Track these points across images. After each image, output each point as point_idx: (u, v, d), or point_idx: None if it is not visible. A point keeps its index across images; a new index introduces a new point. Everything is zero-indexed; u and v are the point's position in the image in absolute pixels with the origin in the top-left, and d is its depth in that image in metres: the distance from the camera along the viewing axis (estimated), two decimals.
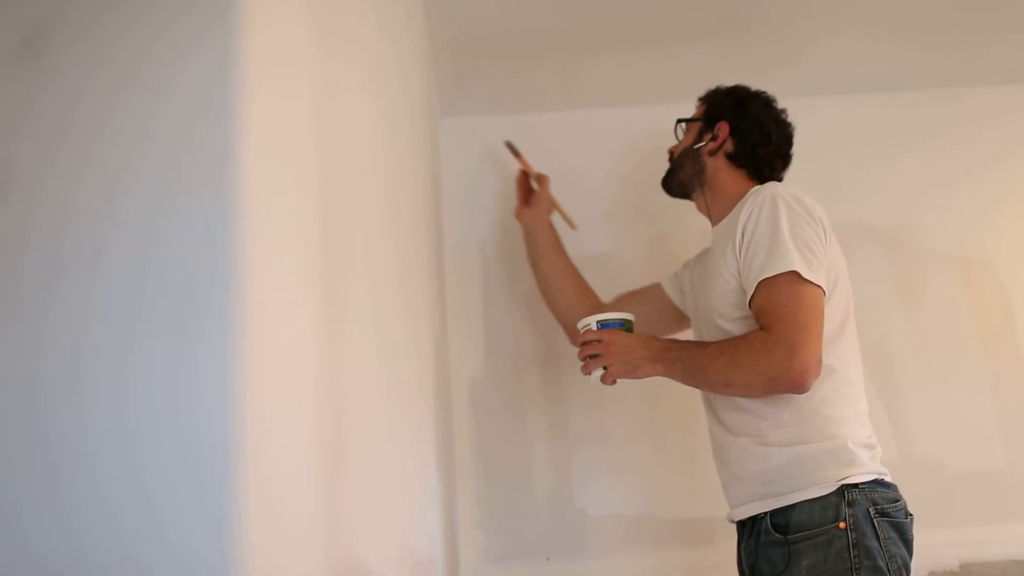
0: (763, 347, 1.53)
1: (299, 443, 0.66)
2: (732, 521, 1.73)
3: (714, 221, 1.86)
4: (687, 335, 1.90)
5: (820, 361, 1.52)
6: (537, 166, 2.26)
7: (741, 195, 1.76)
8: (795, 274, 1.55)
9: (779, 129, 1.88)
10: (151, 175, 0.53)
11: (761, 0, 2.06)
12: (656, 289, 2.06)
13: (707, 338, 1.76)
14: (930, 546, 2.10)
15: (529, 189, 2.22)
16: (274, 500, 0.57)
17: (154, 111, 0.55)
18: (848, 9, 2.12)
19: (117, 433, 0.51)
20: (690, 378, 1.65)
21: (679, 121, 1.97)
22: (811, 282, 1.56)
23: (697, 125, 1.92)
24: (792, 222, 1.59)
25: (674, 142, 1.99)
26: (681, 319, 2.02)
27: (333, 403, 0.78)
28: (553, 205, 2.19)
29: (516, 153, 2.24)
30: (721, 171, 1.86)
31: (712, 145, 1.87)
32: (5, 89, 0.54)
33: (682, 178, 1.93)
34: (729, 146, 1.86)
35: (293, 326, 0.67)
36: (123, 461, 0.50)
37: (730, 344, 1.60)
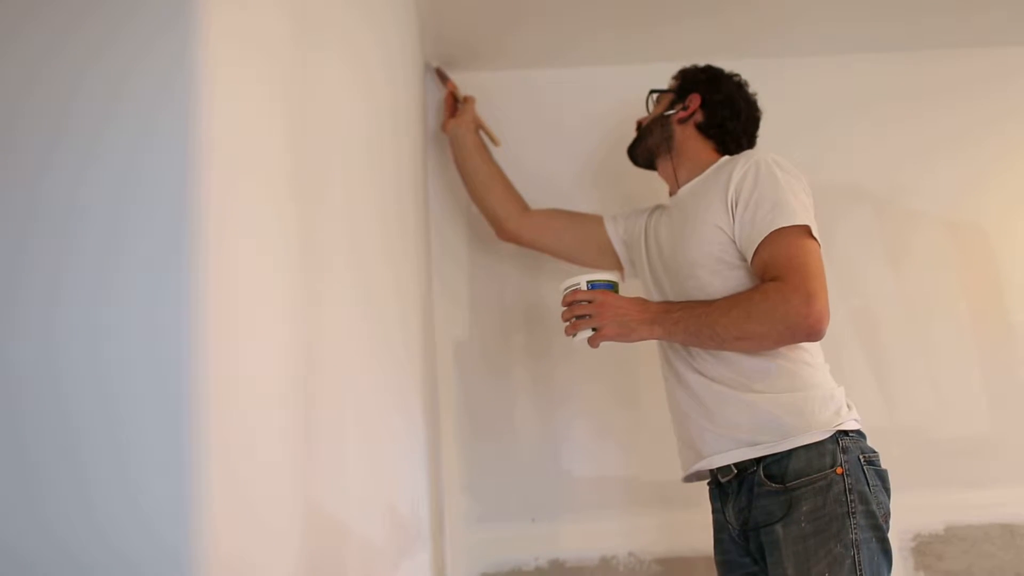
0: (780, 296, 1.55)
1: (269, 399, 0.64)
2: (705, 472, 1.72)
3: (679, 184, 1.89)
4: (634, 287, 1.91)
5: (829, 310, 1.56)
6: (525, 122, 2.29)
7: (708, 164, 1.84)
8: (805, 228, 1.61)
9: (748, 108, 1.94)
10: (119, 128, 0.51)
11: None
12: (596, 221, 2.09)
13: (676, 293, 1.76)
14: (916, 508, 2.13)
15: (455, 109, 2.29)
16: (241, 457, 0.55)
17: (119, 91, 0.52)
18: None
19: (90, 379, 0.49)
20: (693, 336, 1.64)
21: (652, 92, 2.02)
22: (815, 238, 1.62)
23: (668, 96, 1.98)
24: (790, 183, 1.64)
25: (640, 115, 2.03)
26: (604, 260, 2.05)
27: (309, 361, 0.76)
28: (478, 123, 2.27)
29: (445, 78, 2.34)
30: (690, 139, 1.91)
31: (683, 114, 1.92)
32: None
33: (649, 145, 1.97)
34: (699, 116, 1.92)
35: (261, 281, 0.64)
36: (87, 412, 0.48)
37: (743, 297, 1.61)
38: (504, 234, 2.17)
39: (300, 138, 0.79)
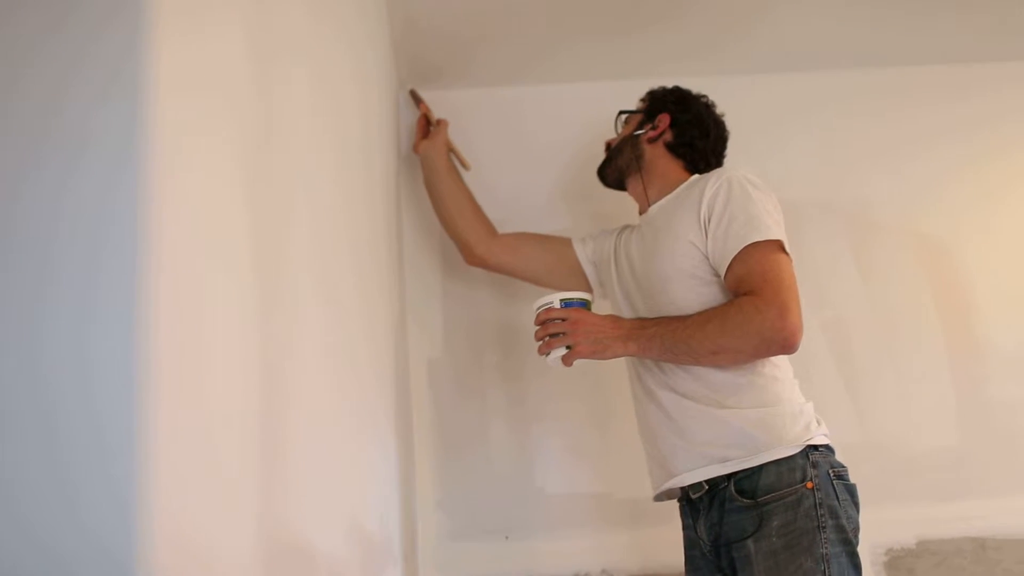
0: (755, 309, 1.56)
1: (226, 419, 0.64)
2: (675, 490, 1.72)
3: (650, 203, 1.90)
4: (605, 309, 1.90)
5: (803, 323, 1.58)
6: (497, 140, 2.30)
7: (678, 182, 1.86)
8: (777, 243, 1.63)
9: (716, 127, 1.97)
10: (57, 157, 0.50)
11: None
12: (564, 244, 2.09)
13: (649, 310, 1.77)
14: (887, 522, 2.14)
15: (427, 131, 2.28)
16: (195, 477, 0.55)
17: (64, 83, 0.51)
18: None
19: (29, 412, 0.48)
20: (668, 352, 1.64)
21: (621, 112, 2.03)
22: (787, 253, 1.64)
23: (638, 117, 2.00)
24: (761, 199, 1.66)
25: (612, 133, 2.05)
26: (574, 282, 2.04)
27: (270, 381, 0.75)
28: (449, 146, 2.25)
29: (418, 100, 2.33)
30: (659, 158, 1.93)
31: (652, 133, 1.94)
32: None
33: (619, 164, 1.98)
34: (668, 136, 1.94)
35: (217, 300, 0.64)
36: (27, 434, 0.47)
37: (717, 311, 1.62)
38: (473, 259, 2.16)
39: (262, 162, 0.78)
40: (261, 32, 0.83)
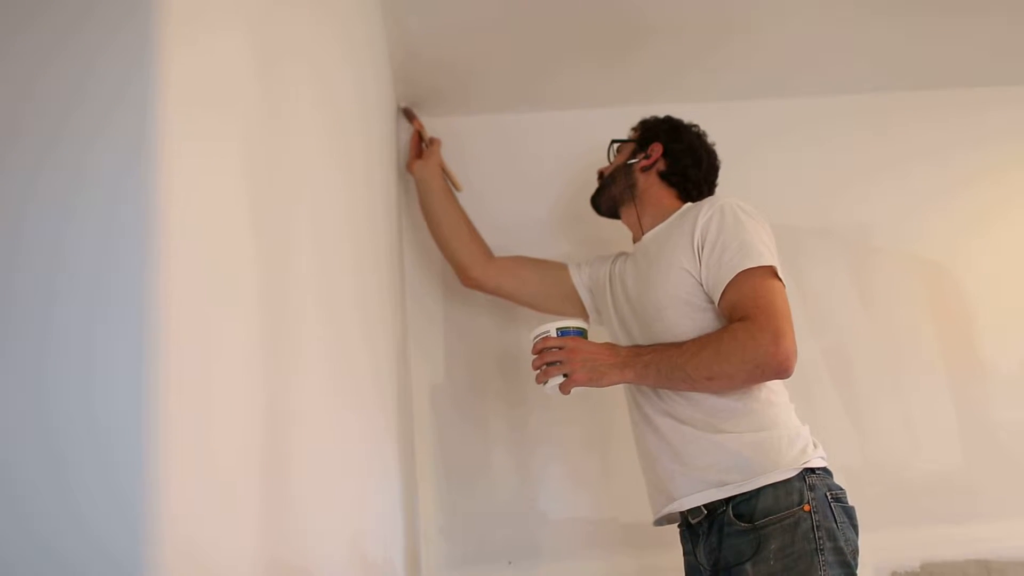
0: (748, 335, 1.57)
1: (229, 434, 0.64)
2: (676, 515, 1.72)
3: (643, 231, 1.92)
4: (600, 335, 1.91)
5: (796, 349, 1.58)
6: (489, 166, 2.33)
7: (672, 211, 1.88)
8: (770, 269, 1.64)
9: (708, 157, 1.98)
10: (60, 179, 0.51)
11: (681, 8, 2.09)
12: (560, 269, 2.10)
13: (644, 337, 1.78)
14: (891, 546, 2.14)
15: (421, 150, 2.30)
16: (196, 486, 0.55)
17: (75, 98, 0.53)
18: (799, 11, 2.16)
19: (33, 436, 0.49)
20: (665, 379, 1.65)
21: (613, 142, 2.06)
22: (780, 279, 1.65)
23: (630, 146, 2.02)
24: (754, 226, 1.67)
25: (605, 161, 2.07)
26: (568, 307, 2.06)
27: (272, 395, 0.76)
28: (442, 167, 2.26)
29: (412, 117, 2.34)
30: (652, 187, 1.94)
31: (645, 162, 1.96)
32: None
33: (613, 193, 2.00)
34: (661, 165, 1.95)
35: (223, 315, 0.65)
36: (36, 460, 0.48)
37: (712, 337, 1.62)
38: (468, 281, 2.17)
39: (268, 172, 0.80)
40: (266, 44, 0.84)
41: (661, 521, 1.77)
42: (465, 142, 2.39)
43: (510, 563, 2.18)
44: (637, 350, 1.70)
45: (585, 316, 2.03)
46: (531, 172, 2.45)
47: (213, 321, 0.63)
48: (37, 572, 0.47)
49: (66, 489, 0.48)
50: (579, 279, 2.06)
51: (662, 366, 1.64)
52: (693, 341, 1.64)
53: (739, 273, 1.62)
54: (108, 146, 0.52)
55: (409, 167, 2.28)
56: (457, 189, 2.28)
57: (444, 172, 2.26)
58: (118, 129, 0.52)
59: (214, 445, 0.61)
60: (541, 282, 2.10)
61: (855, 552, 1.57)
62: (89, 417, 0.49)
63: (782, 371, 1.57)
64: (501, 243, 2.21)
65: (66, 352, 0.49)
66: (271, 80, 0.85)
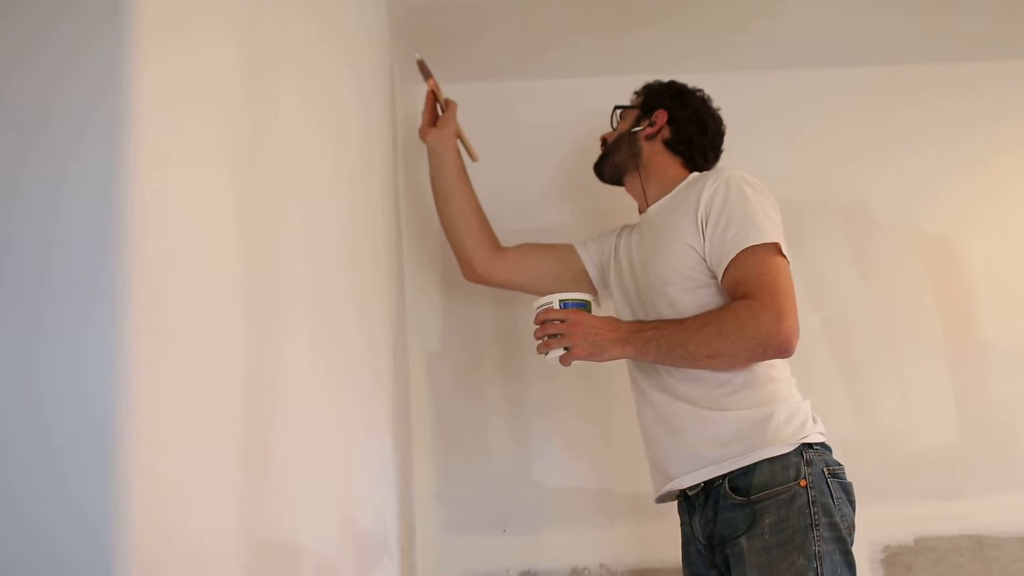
0: (750, 313, 1.56)
1: (207, 414, 0.64)
2: (676, 492, 1.72)
3: (648, 202, 1.88)
4: (606, 310, 1.90)
5: (799, 327, 1.57)
6: (493, 134, 2.26)
7: (677, 180, 1.84)
8: (775, 246, 1.62)
9: (714, 123, 1.94)
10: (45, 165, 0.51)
11: None
12: (568, 249, 2.04)
13: (647, 311, 1.76)
14: (885, 520, 2.14)
15: (436, 112, 2.07)
16: (172, 468, 0.55)
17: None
18: None
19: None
20: (666, 356, 1.64)
21: (616, 108, 2.01)
22: (784, 256, 1.63)
23: (634, 112, 1.96)
24: (759, 201, 1.65)
25: (607, 129, 2.02)
26: (578, 286, 1.95)
27: (253, 374, 0.76)
28: (458, 134, 2.06)
29: (428, 74, 2.05)
30: (657, 155, 1.90)
31: (650, 130, 1.91)
32: None
33: (616, 161, 1.95)
34: (666, 133, 1.91)
35: (202, 299, 0.64)
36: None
37: (713, 315, 1.61)
38: (472, 276, 2.06)
39: (253, 162, 0.79)
40: (252, 35, 0.83)
41: (663, 498, 1.77)
42: (464, 110, 2.29)
43: (505, 531, 2.19)
44: (639, 326, 1.69)
45: (594, 292, 1.97)
46: (531, 141, 2.43)
47: (192, 298, 0.62)
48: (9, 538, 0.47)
49: (52, 474, 0.48)
50: (587, 256, 2.01)
51: (663, 343, 1.63)
52: (695, 318, 1.63)
53: (743, 250, 1.60)
54: (88, 144, 0.51)
55: (422, 134, 2.05)
56: (473, 159, 2.12)
57: (460, 139, 2.07)
58: (96, 128, 0.51)
59: (192, 417, 0.60)
60: (551, 267, 2.02)
61: (851, 528, 1.57)
62: (77, 400, 0.49)
63: (784, 350, 1.57)
64: (499, 213, 2.15)
65: (54, 339, 0.49)
66: (255, 66, 0.83)
